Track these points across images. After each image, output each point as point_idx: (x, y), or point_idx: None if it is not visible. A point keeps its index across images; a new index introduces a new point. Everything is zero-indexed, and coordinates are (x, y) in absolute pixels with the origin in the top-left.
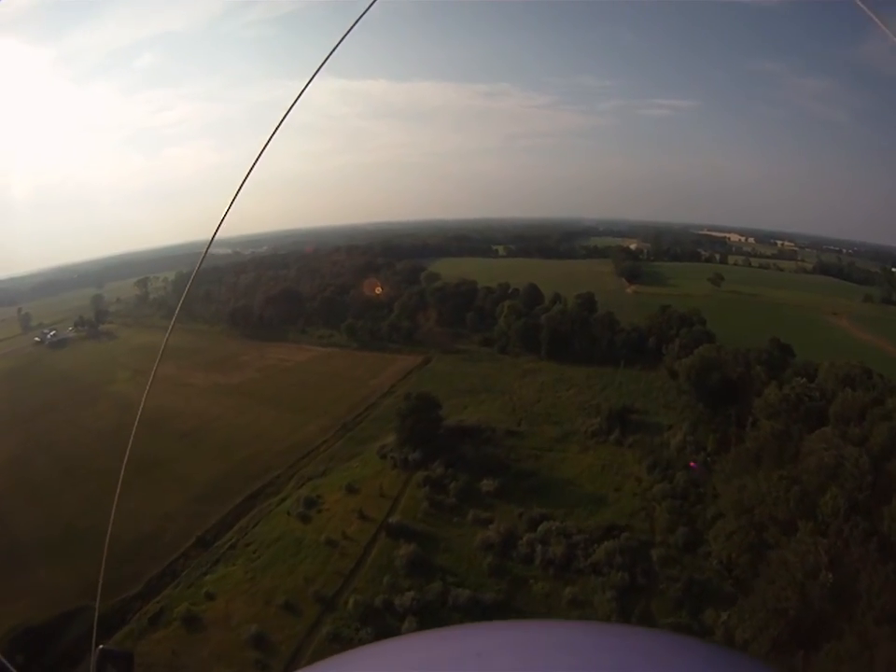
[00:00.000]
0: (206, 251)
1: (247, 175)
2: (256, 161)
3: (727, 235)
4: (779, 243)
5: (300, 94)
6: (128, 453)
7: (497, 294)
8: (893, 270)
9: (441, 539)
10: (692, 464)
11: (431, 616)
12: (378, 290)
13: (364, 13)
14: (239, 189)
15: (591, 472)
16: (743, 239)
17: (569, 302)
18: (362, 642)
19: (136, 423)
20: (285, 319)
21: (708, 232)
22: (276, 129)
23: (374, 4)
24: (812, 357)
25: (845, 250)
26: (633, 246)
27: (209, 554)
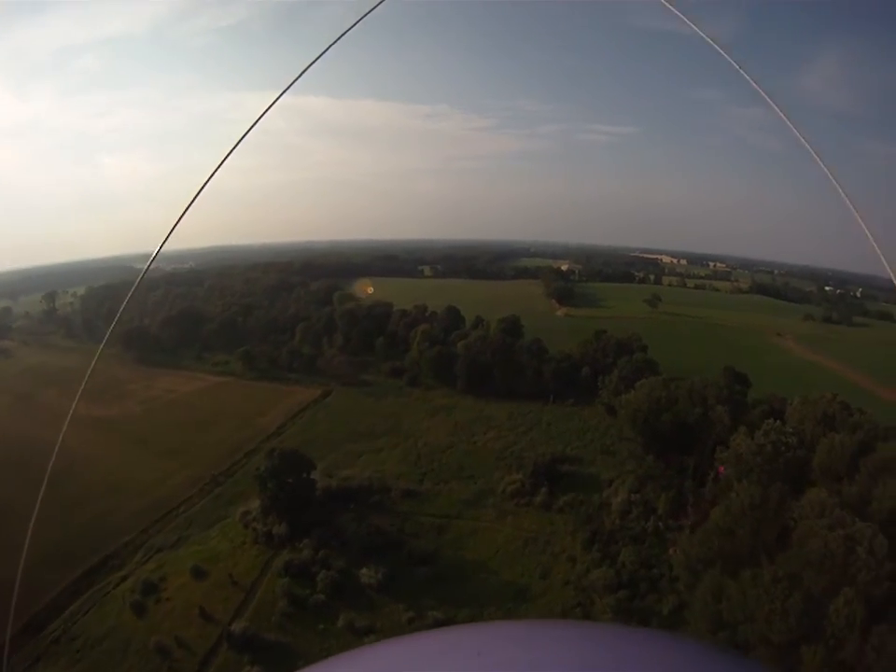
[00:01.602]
0: (147, 268)
1: (198, 192)
2: (209, 177)
3: (659, 257)
4: (712, 264)
5: (261, 115)
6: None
7: (411, 318)
8: (827, 289)
9: (298, 654)
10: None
11: None
12: (370, 290)
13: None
14: (188, 205)
15: (509, 550)
16: (675, 261)
17: (492, 327)
18: None
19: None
20: (182, 343)
21: (641, 255)
22: (234, 147)
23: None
24: (768, 385)
25: (776, 270)
26: (564, 267)
27: (31, 648)
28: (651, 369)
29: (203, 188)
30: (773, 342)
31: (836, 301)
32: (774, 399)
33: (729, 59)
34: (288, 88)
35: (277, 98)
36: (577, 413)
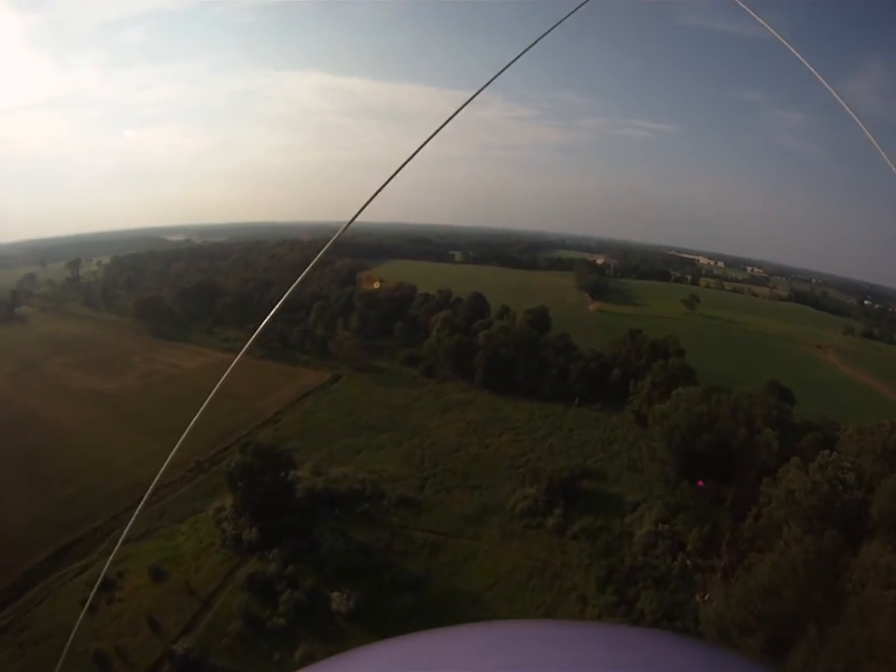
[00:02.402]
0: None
1: (396, 171)
2: (410, 157)
3: (696, 258)
4: (749, 268)
5: (458, 110)
6: None
7: (434, 303)
8: (866, 303)
9: None
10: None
11: None
12: (376, 285)
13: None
14: (383, 185)
15: (511, 582)
16: (712, 262)
17: (518, 318)
18: None
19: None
20: (195, 316)
21: (678, 254)
22: (434, 134)
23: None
24: (810, 402)
25: (813, 280)
26: (599, 261)
27: None
28: (687, 376)
29: (401, 167)
30: (813, 354)
31: (876, 315)
32: (825, 422)
33: (802, 59)
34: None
35: (472, 96)
36: (603, 419)
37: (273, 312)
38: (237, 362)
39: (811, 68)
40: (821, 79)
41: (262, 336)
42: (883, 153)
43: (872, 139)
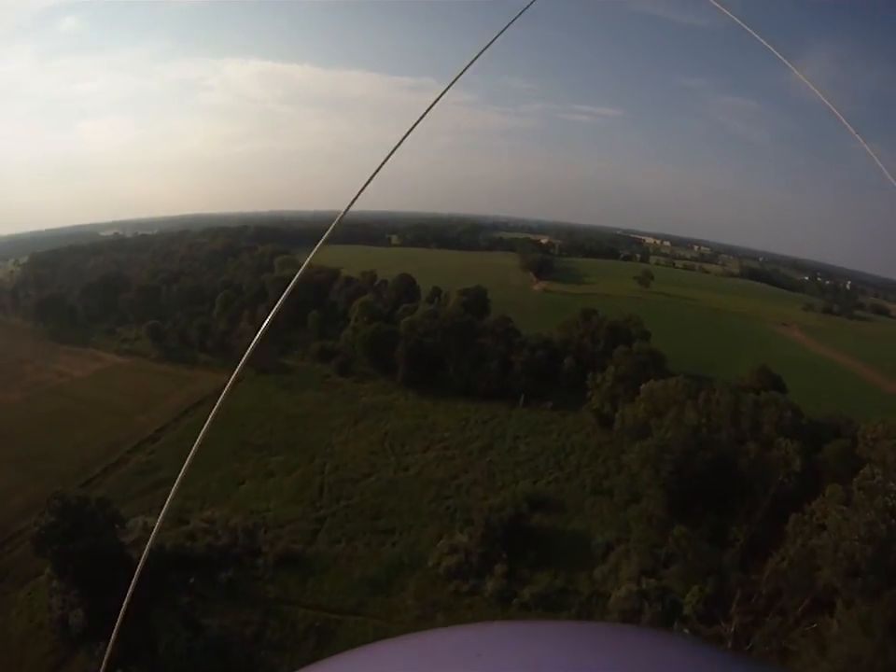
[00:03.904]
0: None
1: (383, 161)
2: (397, 146)
3: (642, 238)
4: (696, 247)
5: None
6: None
7: (356, 287)
8: (819, 279)
9: None
10: None
11: None
12: None
13: None
14: (371, 175)
15: None
16: (658, 242)
17: (451, 301)
18: None
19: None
20: (97, 315)
21: (624, 234)
22: (418, 120)
23: None
24: (791, 385)
25: (760, 258)
26: (543, 241)
27: None
28: (656, 364)
29: (389, 155)
30: (779, 331)
31: (832, 291)
32: (840, 422)
33: (764, 42)
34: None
35: (452, 83)
36: (556, 422)
37: (262, 328)
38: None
39: (774, 51)
40: (785, 61)
41: (161, 334)
42: (860, 138)
43: (845, 123)
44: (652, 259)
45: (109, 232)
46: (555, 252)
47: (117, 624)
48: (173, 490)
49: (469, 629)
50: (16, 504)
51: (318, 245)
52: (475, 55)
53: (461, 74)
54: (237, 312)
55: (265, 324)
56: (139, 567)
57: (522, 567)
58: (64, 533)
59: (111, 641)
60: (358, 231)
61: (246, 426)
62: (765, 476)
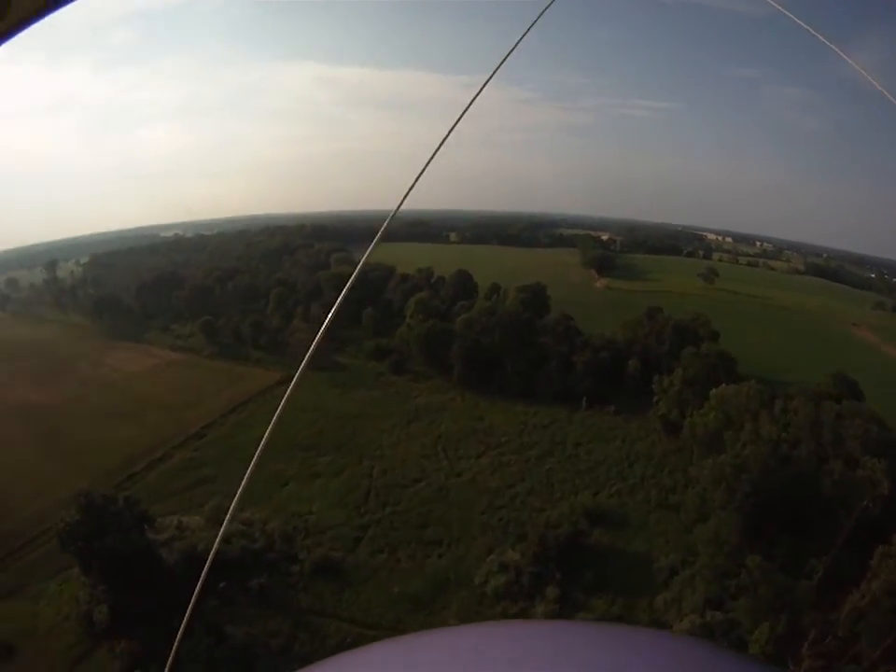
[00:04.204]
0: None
1: (430, 159)
2: (440, 144)
3: (703, 234)
4: (758, 243)
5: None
6: None
7: (412, 283)
8: (886, 277)
9: None
10: None
11: None
12: None
13: None
14: (420, 172)
15: None
16: (720, 238)
17: (509, 298)
18: None
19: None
20: (152, 312)
21: (684, 230)
22: (460, 117)
23: None
24: (871, 394)
25: (825, 254)
26: (604, 237)
27: None
28: (726, 368)
29: (436, 151)
30: (850, 332)
31: None
32: None
33: (815, 33)
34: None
35: (493, 73)
36: (620, 428)
37: (323, 327)
38: (295, 379)
39: (825, 41)
40: (838, 51)
41: (215, 331)
42: None
43: None
44: (715, 255)
45: (170, 234)
46: (616, 248)
47: (178, 637)
48: (239, 491)
49: (470, 629)
50: (58, 496)
51: (374, 242)
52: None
53: (497, 69)
54: (291, 309)
55: (325, 322)
56: (203, 573)
57: (576, 589)
58: (89, 531)
59: (174, 650)
60: (417, 228)
61: (295, 424)
62: (849, 499)
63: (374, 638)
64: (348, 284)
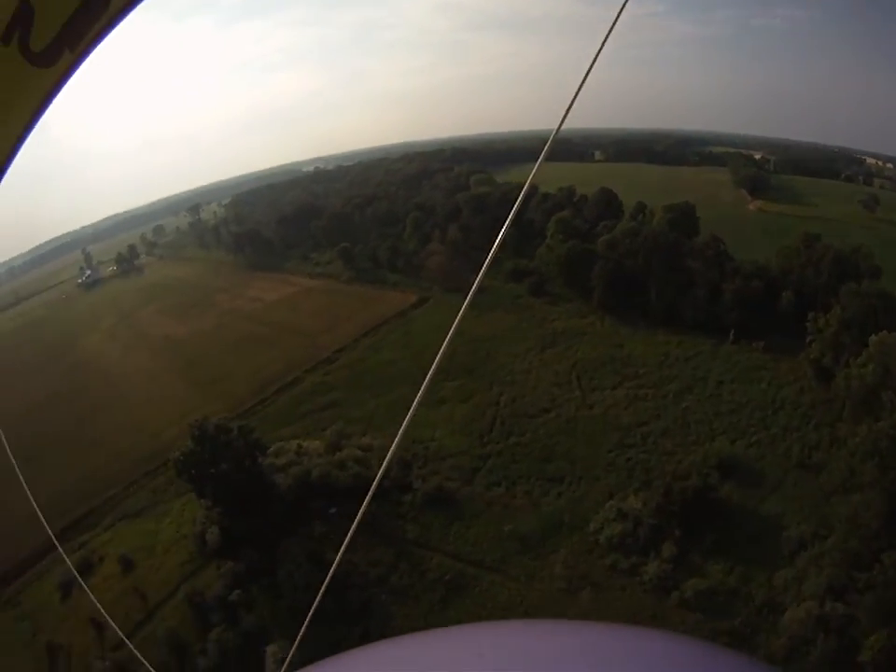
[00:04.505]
0: None
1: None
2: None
3: (863, 157)
4: None
5: None
6: None
7: (553, 202)
8: None
9: None
10: None
11: None
12: None
13: None
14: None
15: None
16: (881, 164)
17: (656, 218)
18: None
19: None
20: (292, 243)
21: (841, 152)
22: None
23: None
24: None
25: None
26: (757, 156)
27: None
28: (889, 310)
29: (587, 74)
30: None
31: None
32: None
33: None
34: None
35: None
36: (768, 367)
37: (491, 254)
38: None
39: None
40: None
41: (352, 256)
42: None
43: None
44: (876, 181)
45: (310, 168)
46: (770, 169)
47: (317, 600)
48: (407, 419)
49: (470, 629)
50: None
51: (539, 162)
52: None
53: None
54: (428, 232)
55: (493, 249)
56: (350, 533)
57: (695, 550)
58: (202, 459)
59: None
60: (559, 147)
61: (427, 347)
62: None
63: (475, 577)
64: (517, 203)
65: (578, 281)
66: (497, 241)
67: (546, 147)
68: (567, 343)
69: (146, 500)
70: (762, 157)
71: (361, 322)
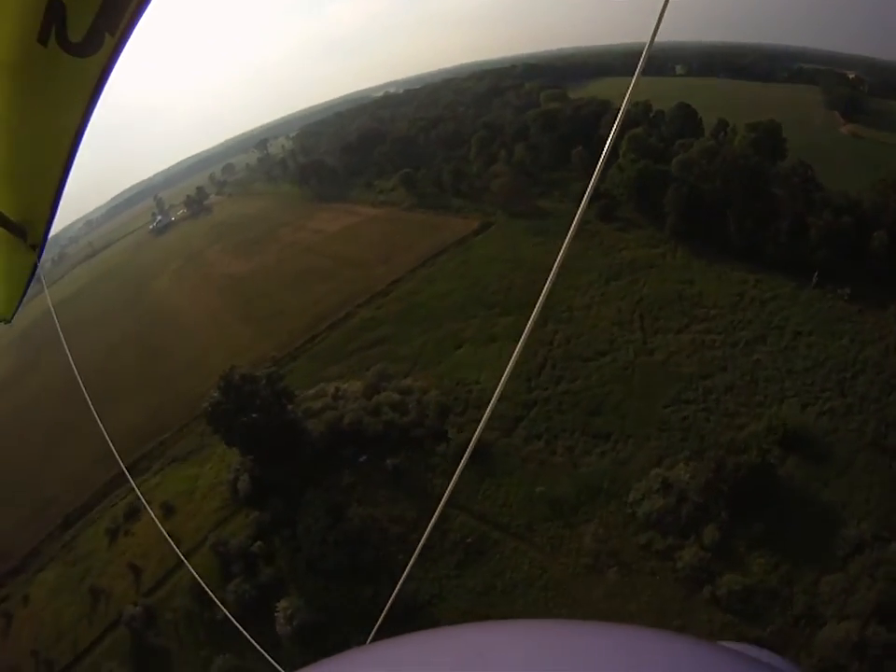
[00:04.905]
0: None
1: None
2: None
3: None
4: None
5: None
6: None
7: (627, 119)
8: None
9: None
10: None
11: None
12: None
13: None
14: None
15: None
16: None
17: (738, 137)
18: None
19: None
20: (356, 171)
21: None
22: None
23: None
24: None
25: None
26: (851, 76)
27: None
28: None
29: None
30: None
31: None
32: None
33: None
34: None
35: None
36: (853, 319)
37: (592, 182)
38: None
39: None
40: None
41: (414, 182)
42: None
43: None
44: None
45: (380, 94)
46: (866, 90)
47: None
48: (509, 367)
49: (470, 629)
50: (244, 361)
51: (635, 79)
52: None
53: None
54: (494, 153)
55: (594, 177)
56: (437, 511)
57: (740, 538)
58: (228, 410)
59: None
60: (634, 61)
61: (483, 278)
62: None
63: (497, 542)
64: (617, 120)
65: (650, 206)
66: (598, 168)
67: (641, 63)
68: (633, 276)
69: (193, 444)
70: (855, 77)
71: (420, 251)
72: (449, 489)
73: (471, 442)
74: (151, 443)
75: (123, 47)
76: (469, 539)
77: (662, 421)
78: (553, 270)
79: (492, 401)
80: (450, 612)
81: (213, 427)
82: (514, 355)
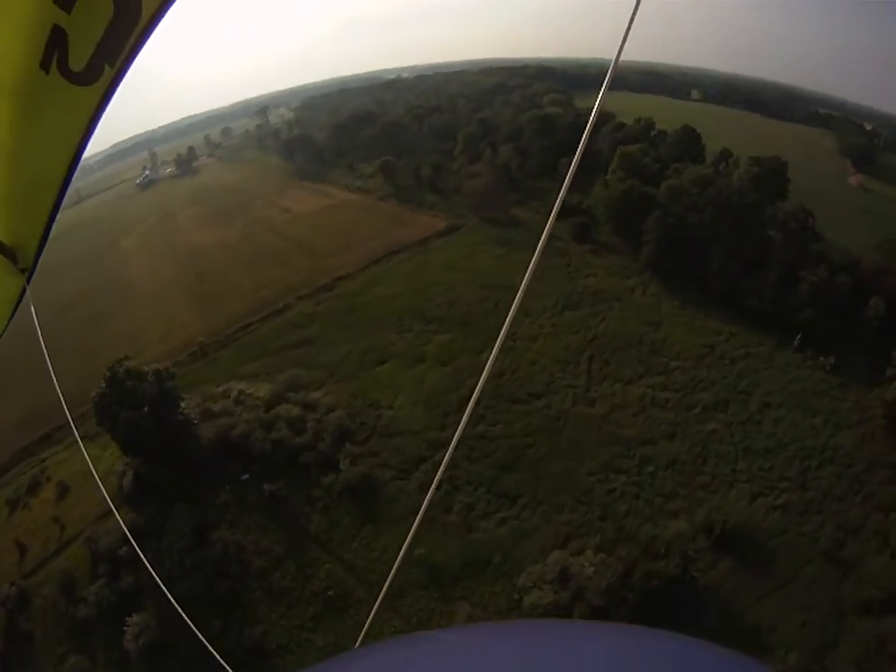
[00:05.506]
0: None
1: None
2: None
3: None
4: None
5: None
6: None
7: (625, 134)
8: None
9: None
10: None
11: None
12: None
13: None
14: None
15: None
16: None
17: (739, 169)
18: None
19: None
20: (343, 151)
21: None
22: None
23: None
24: None
25: None
26: (868, 127)
27: None
28: None
29: None
30: None
31: None
32: None
33: None
34: None
35: None
36: (832, 394)
37: (568, 178)
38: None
39: None
40: None
41: (394, 171)
42: None
43: None
44: None
45: (392, 76)
46: (880, 144)
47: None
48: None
49: (470, 629)
50: (176, 341)
51: (601, 95)
52: None
53: None
54: (480, 151)
55: (568, 177)
56: (421, 510)
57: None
58: (111, 404)
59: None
60: (650, 79)
61: (431, 287)
62: None
63: (360, 601)
64: (585, 133)
65: (631, 231)
66: (569, 175)
67: (607, 79)
68: (593, 308)
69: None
70: (872, 129)
71: (378, 247)
72: (412, 530)
73: (433, 485)
74: (73, 413)
75: (121, 79)
76: (331, 592)
77: (583, 491)
78: (518, 296)
79: (450, 446)
80: (291, 668)
81: (98, 419)
82: (476, 391)
